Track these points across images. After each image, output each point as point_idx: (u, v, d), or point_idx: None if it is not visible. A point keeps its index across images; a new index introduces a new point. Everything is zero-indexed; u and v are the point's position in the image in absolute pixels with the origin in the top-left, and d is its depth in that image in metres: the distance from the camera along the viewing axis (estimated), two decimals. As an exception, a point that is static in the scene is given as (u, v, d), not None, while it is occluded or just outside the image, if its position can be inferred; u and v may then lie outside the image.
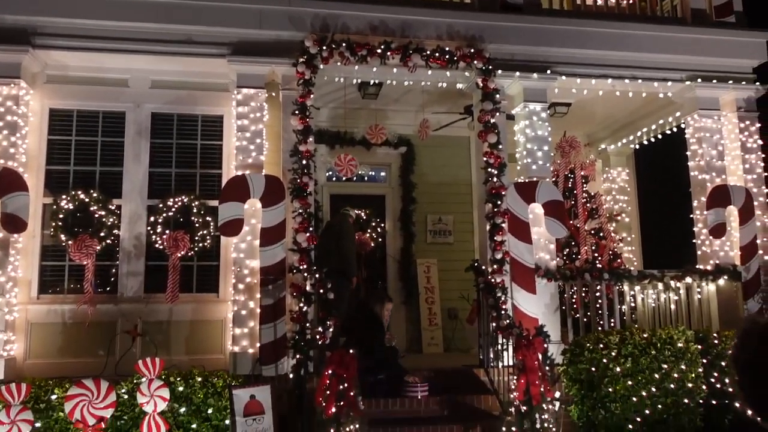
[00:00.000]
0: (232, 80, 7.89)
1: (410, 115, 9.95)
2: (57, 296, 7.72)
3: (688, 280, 8.37)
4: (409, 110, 10.02)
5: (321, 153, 10.03)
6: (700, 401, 6.76)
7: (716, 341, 7.22)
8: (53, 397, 5.66)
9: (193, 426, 5.80)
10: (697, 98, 8.85)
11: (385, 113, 10.05)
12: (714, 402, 6.84)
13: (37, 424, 5.42)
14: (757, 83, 8.98)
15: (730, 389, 6.98)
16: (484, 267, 7.77)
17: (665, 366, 6.70)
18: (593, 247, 9.70)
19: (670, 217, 12.99)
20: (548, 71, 8.37)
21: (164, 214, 7.79)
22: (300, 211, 7.28)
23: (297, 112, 7.44)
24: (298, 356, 6.59)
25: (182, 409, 5.79)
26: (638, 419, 6.54)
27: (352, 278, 8.74)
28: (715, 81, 8.81)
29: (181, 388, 5.85)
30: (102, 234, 7.65)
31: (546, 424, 6.20)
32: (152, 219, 7.82)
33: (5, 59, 7.34)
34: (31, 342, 7.51)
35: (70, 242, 7.52)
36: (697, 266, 8.68)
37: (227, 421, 5.80)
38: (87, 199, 7.69)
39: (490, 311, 7.37)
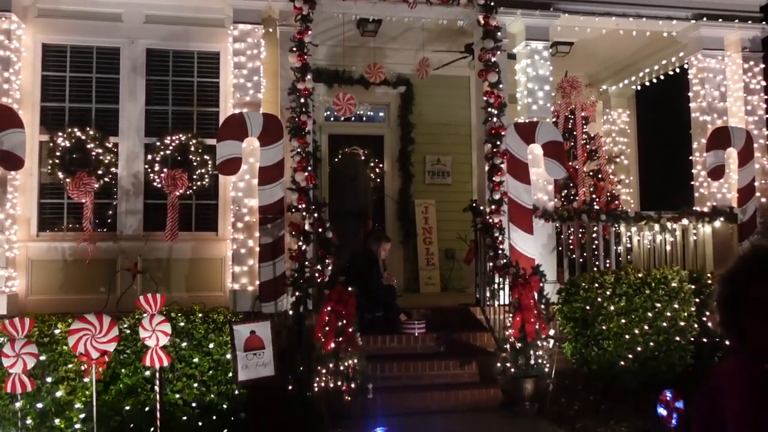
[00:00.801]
0: (228, 15, 7.72)
1: (410, 54, 9.78)
2: (57, 234, 7.75)
3: (685, 221, 8.42)
4: (408, 49, 9.84)
5: (319, 92, 9.88)
6: (692, 339, 6.90)
7: (710, 281, 7.31)
8: (56, 331, 5.74)
9: (195, 360, 5.91)
10: (701, 38, 8.71)
11: (384, 52, 9.88)
12: (705, 340, 6.98)
13: (42, 357, 5.52)
14: (764, 23, 8.82)
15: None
16: (482, 207, 7.80)
17: (658, 305, 6.81)
18: (591, 189, 9.71)
19: (670, 159, 12.94)
20: (551, 8, 8.20)
21: (162, 153, 7.74)
22: (298, 150, 7.24)
23: (295, 48, 7.31)
24: (297, 294, 6.69)
25: (184, 344, 5.89)
26: (630, 356, 6.69)
27: (368, 220, 8.80)
28: (720, 20, 8.64)
29: (182, 324, 5.94)
30: (100, 172, 7.62)
31: (540, 360, 6.35)
32: (150, 157, 7.77)
33: (-6, -9, 7.17)
34: (33, 279, 7.58)
35: (67, 180, 7.49)
36: (694, 208, 8.72)
37: (228, 356, 5.91)
38: (83, 137, 7.63)
39: (487, 251, 7.45)
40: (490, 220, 7.56)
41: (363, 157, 9.37)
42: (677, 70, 9.90)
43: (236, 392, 5.97)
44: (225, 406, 5.94)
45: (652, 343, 6.73)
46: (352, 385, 5.93)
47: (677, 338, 6.81)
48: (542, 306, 6.65)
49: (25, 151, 7.12)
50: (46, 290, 7.56)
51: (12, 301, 7.12)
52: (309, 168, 7.28)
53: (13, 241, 7.27)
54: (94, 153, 7.64)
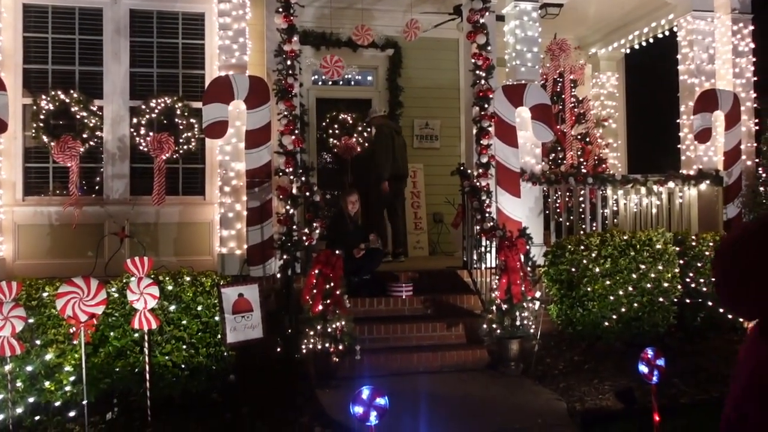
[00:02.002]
0: (212, -25, 7.59)
1: (398, 16, 9.67)
2: (42, 198, 7.71)
3: (671, 184, 8.47)
4: (396, 10, 9.73)
5: (306, 55, 9.79)
6: (675, 300, 7.01)
7: (694, 243, 7.41)
8: (44, 294, 5.75)
9: (184, 322, 5.94)
10: (691, -1, 8.66)
11: (372, 13, 9.76)
12: (688, 301, 7.10)
13: (30, 320, 5.54)
14: (754, -16, 8.78)
15: (704, 289, 7.23)
16: (469, 171, 7.81)
17: (643, 266, 6.89)
18: (579, 152, 9.74)
19: (658, 123, 12.96)
20: (540, -32, 8.11)
21: (147, 116, 7.66)
22: (285, 113, 7.18)
23: (281, 9, 7.19)
24: (285, 257, 6.71)
25: (172, 307, 5.91)
26: (614, 317, 6.79)
27: (383, 182, 8.83)
28: (711, -19, 8.59)
29: (170, 287, 5.95)
30: (85, 135, 7.54)
31: (526, 322, 6.43)
32: (135, 121, 7.69)
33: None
34: (20, 243, 7.55)
35: (52, 144, 7.42)
36: (681, 171, 8.77)
37: (217, 318, 5.95)
38: (68, 100, 7.53)
39: (474, 214, 7.48)
40: (478, 184, 7.57)
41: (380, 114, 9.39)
42: (666, 33, 9.86)
43: (225, 354, 6.03)
44: (214, 368, 6.00)
45: (636, 304, 6.83)
46: (340, 347, 6.00)
47: (661, 299, 6.92)
48: (528, 268, 6.71)
49: (8, 115, 7.03)
50: (34, 255, 7.54)
51: (-1, 266, 7.11)
52: (296, 131, 7.23)
53: (-2, 206, 7.23)
54: (78, 116, 7.55)
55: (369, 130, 10.23)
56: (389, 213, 9.14)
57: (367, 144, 10.02)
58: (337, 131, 9.90)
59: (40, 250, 7.58)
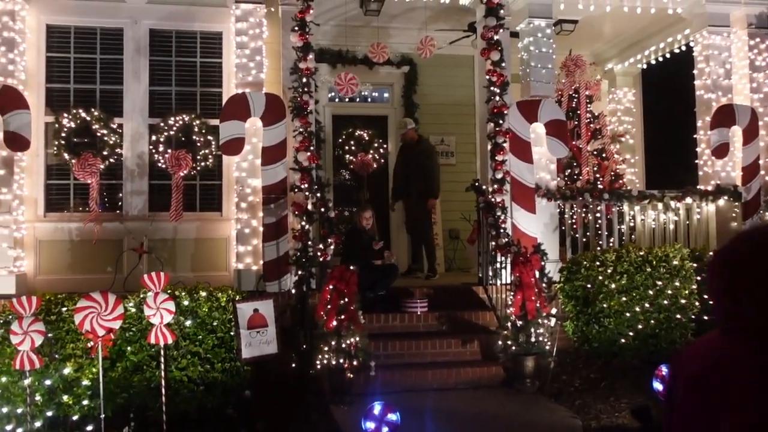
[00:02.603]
0: (230, -5, 7.73)
1: (413, 34, 9.74)
2: (63, 214, 7.84)
3: (688, 200, 8.40)
4: (412, 28, 9.81)
5: (323, 72, 9.91)
6: (692, 317, 6.93)
7: (712, 260, 7.32)
8: (63, 309, 5.84)
9: (199, 337, 6.00)
10: (707, 14, 8.63)
11: (388, 31, 9.85)
12: (706, 318, 7.01)
13: (49, 335, 5.62)
14: (771, -2, 8.74)
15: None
16: (484, 187, 7.81)
17: (659, 283, 6.83)
18: (595, 168, 9.69)
19: (676, 138, 12.89)
20: (554, -15, 8.15)
21: (166, 133, 7.78)
22: (300, 129, 7.25)
23: (296, 28, 7.30)
24: (300, 272, 6.75)
25: (188, 322, 5.97)
26: (631, 333, 6.73)
27: (434, 199, 8.90)
28: (726, -4, 8.57)
29: (186, 302, 6.02)
30: (105, 153, 7.68)
31: (541, 338, 6.40)
32: (154, 138, 7.82)
33: (-3, -28, 7.20)
34: (41, 259, 7.68)
35: (73, 161, 7.56)
36: (699, 187, 8.70)
37: (232, 333, 5.99)
38: (88, 118, 7.67)
39: (489, 230, 7.47)
40: (493, 200, 7.57)
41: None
42: (683, 48, 9.83)
43: (240, 369, 6.07)
44: (229, 384, 6.04)
45: (652, 321, 6.77)
46: (354, 363, 6.00)
47: (678, 316, 6.85)
48: (544, 284, 6.68)
49: (30, 132, 7.19)
50: (54, 270, 7.66)
51: (20, 281, 7.23)
52: (311, 148, 7.30)
53: (20, 222, 7.36)
54: (99, 134, 7.69)
55: (385, 146, 10.30)
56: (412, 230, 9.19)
57: (382, 160, 10.10)
58: (353, 148, 9.97)
59: (61, 266, 7.70)
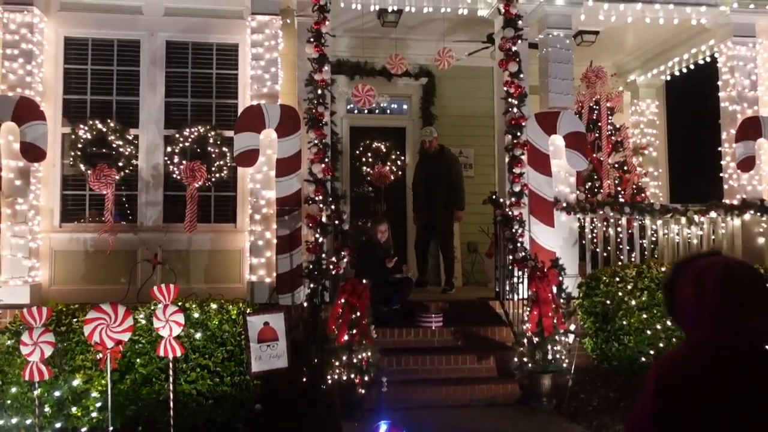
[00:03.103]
0: (246, 6, 7.72)
1: (431, 45, 9.65)
2: (79, 225, 7.85)
3: (713, 214, 8.17)
4: (430, 39, 9.74)
5: (341, 84, 9.88)
6: (716, 335, 6.68)
7: (737, 276, 7.09)
8: (74, 320, 5.82)
9: (209, 350, 5.94)
10: (732, 24, 8.43)
11: (406, 43, 9.79)
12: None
13: (59, 346, 5.59)
14: (798, 8, 8.51)
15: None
16: (502, 200, 7.68)
17: (682, 300, 6.61)
18: (616, 181, 9.49)
19: (701, 151, 12.61)
20: (574, -5, 8.02)
21: (181, 145, 7.77)
22: (315, 141, 7.19)
23: (312, 39, 7.26)
24: (312, 285, 6.66)
25: (198, 335, 5.91)
26: (651, 352, 6.53)
27: (461, 211, 8.79)
28: (752, 6, 8.35)
29: (196, 315, 5.97)
30: (120, 164, 7.68)
31: (558, 356, 6.23)
32: (169, 149, 7.81)
33: (17, -15, 7.28)
34: (56, 269, 7.70)
35: (89, 172, 7.58)
36: (724, 200, 8.47)
37: (242, 346, 5.92)
38: (105, 129, 7.69)
39: (506, 244, 7.34)
40: (510, 213, 7.43)
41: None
42: (708, 59, 9.62)
43: (250, 383, 5.99)
44: (239, 397, 5.96)
45: (674, 339, 6.55)
46: (366, 378, 5.90)
47: None
48: (562, 300, 6.53)
49: (47, 143, 7.22)
50: (69, 280, 7.67)
51: (35, 291, 7.24)
52: (326, 159, 7.23)
53: (36, 232, 7.38)
54: (114, 145, 7.70)
55: (402, 158, 10.21)
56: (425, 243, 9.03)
57: (400, 172, 10.00)
58: (370, 159, 9.90)
59: (76, 276, 7.70)
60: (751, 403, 1.67)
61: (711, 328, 1.77)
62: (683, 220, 8.13)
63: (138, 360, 5.86)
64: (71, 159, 7.67)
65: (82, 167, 7.62)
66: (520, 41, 7.73)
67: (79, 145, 7.65)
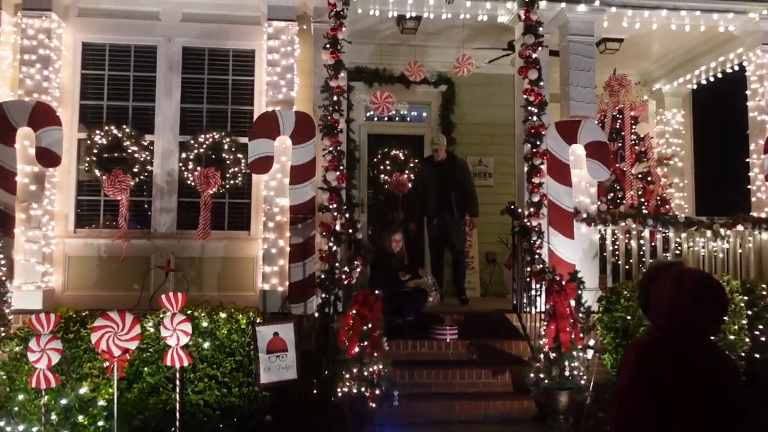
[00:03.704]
0: (263, 12, 7.66)
1: (451, 52, 9.52)
2: (93, 230, 7.84)
3: (740, 228, 7.90)
4: (449, 47, 9.61)
5: (359, 91, 9.80)
6: (742, 354, 6.44)
7: (765, 293, 6.83)
8: (82, 328, 5.77)
9: (217, 360, 5.84)
10: (761, 32, 8.19)
11: (425, 50, 9.67)
12: (757, 356, 6.51)
13: (66, 353, 5.54)
14: (831, 15, 8.22)
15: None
16: (520, 210, 7.51)
17: (706, 317, 6.36)
18: (640, 192, 9.24)
19: (729, 162, 12.29)
20: (596, 2, 7.82)
21: (196, 151, 7.72)
22: (330, 149, 7.09)
23: (328, 45, 7.16)
24: (324, 295, 6.54)
25: (206, 344, 5.82)
26: (674, 370, 6.27)
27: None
28: (782, 12, 8.10)
29: (205, 324, 5.88)
30: (135, 169, 7.66)
31: (576, 372, 6.03)
32: (184, 155, 7.76)
33: (35, -10, 7.29)
34: (69, 274, 7.68)
35: (104, 177, 7.56)
36: (752, 213, 8.20)
37: (251, 357, 5.82)
38: (120, 135, 7.67)
39: (524, 255, 7.16)
40: (528, 224, 7.25)
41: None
42: (736, 68, 9.36)
43: (259, 395, 5.88)
44: (246, 409, 5.85)
45: (698, 358, 6.29)
46: (377, 392, 5.75)
47: (726, 353, 6.35)
48: (581, 314, 6.33)
49: (62, 149, 7.21)
50: (82, 286, 7.65)
51: (48, 297, 7.22)
52: (341, 167, 7.12)
53: (50, 237, 7.38)
54: (130, 150, 7.68)
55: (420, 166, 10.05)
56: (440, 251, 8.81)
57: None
58: (388, 167, 9.78)
59: (89, 282, 7.68)
60: (700, 366, 2.36)
61: (680, 319, 2.37)
62: (708, 233, 7.87)
63: (146, 369, 5.78)
64: (86, 164, 7.67)
65: (97, 173, 7.61)
66: (540, 48, 7.56)
67: (95, 151, 7.64)
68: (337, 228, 6.93)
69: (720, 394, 2.34)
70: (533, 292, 6.90)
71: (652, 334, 2.47)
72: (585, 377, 6.09)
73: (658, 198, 9.27)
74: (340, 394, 5.85)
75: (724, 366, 2.42)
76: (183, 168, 7.74)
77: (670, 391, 2.30)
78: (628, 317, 6.48)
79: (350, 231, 6.95)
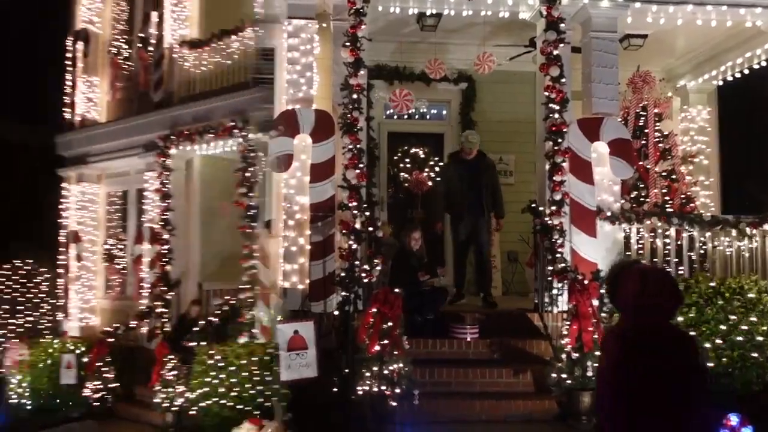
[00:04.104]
0: (282, 10, 7.66)
1: (472, 50, 9.42)
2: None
3: (766, 227, 7.73)
4: (470, 44, 9.52)
5: (379, 89, 9.77)
6: (772, 354, 6.31)
7: (793, 293, 6.69)
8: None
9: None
10: (789, 26, 8.01)
11: (446, 47, 9.61)
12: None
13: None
14: None
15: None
16: (541, 208, 7.43)
17: (733, 317, 6.26)
18: (664, 190, 9.09)
19: (755, 160, 12.08)
20: (620, -3, 7.71)
21: (217, 149, 7.77)
22: (350, 147, 7.05)
23: (348, 43, 7.13)
24: (343, 293, 6.53)
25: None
26: (700, 371, 6.18)
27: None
28: (812, 7, 7.91)
29: (226, 322, 5.91)
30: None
31: (598, 372, 5.94)
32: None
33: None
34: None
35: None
36: (779, 211, 8.03)
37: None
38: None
39: (545, 254, 7.10)
40: (550, 222, 7.16)
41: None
42: (763, 64, 9.17)
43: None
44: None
45: (724, 359, 6.20)
46: (397, 390, 5.75)
47: (754, 354, 6.24)
48: (603, 314, 6.26)
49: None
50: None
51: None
52: (360, 165, 7.09)
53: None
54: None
55: (441, 164, 10.00)
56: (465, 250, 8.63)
57: (438, 178, 9.78)
58: (408, 165, 9.75)
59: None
60: (659, 352, 2.77)
61: (643, 311, 2.81)
62: (734, 232, 7.71)
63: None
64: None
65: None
66: (562, 45, 7.45)
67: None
68: (357, 226, 6.91)
69: (688, 362, 2.78)
70: (555, 291, 6.84)
71: (627, 323, 2.93)
72: (608, 377, 6.00)
73: (682, 196, 9.11)
74: (360, 392, 5.84)
75: (685, 338, 2.93)
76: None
77: (645, 368, 2.72)
78: (652, 317, 6.38)
79: (370, 229, 6.93)
